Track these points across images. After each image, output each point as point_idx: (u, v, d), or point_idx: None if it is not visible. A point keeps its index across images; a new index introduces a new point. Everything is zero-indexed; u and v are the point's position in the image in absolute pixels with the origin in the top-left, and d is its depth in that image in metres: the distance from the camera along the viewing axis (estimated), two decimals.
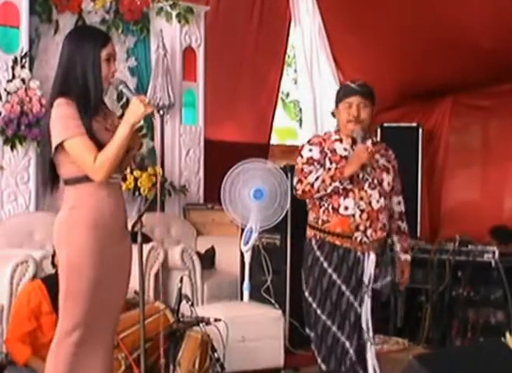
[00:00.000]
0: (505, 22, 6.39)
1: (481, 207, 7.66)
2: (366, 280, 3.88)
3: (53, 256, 4.48)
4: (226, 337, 4.44)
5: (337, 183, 3.82)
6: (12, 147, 5.90)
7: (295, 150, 9.85)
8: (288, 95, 14.25)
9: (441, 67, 7.28)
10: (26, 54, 6.00)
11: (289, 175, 5.56)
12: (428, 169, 8.07)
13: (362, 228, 3.84)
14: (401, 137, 7.38)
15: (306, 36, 8.75)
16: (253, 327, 4.96)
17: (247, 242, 5.53)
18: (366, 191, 3.86)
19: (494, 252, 5.53)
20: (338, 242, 3.86)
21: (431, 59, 7.28)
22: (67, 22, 6.42)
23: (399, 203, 4.04)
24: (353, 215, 3.84)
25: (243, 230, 5.60)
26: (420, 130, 7.72)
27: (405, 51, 7.44)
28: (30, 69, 6.06)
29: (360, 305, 3.86)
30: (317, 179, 3.86)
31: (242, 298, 5.62)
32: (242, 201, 5.53)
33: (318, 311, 3.85)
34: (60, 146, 3.16)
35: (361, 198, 3.85)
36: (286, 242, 5.60)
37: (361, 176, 3.87)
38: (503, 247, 5.80)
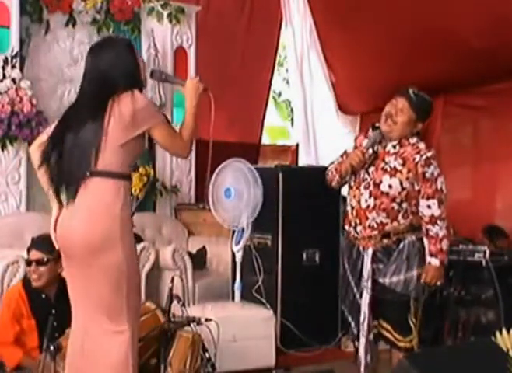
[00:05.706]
0: (497, 21, 6.38)
1: (473, 207, 7.66)
2: (365, 274, 4.03)
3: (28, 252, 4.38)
4: (217, 337, 4.42)
5: (337, 176, 4.16)
6: (3, 147, 5.89)
7: (286, 149, 9.94)
8: (280, 94, 14.26)
9: (433, 66, 7.27)
10: (16, 53, 5.99)
11: (280, 175, 5.56)
12: None
13: (353, 223, 4.10)
14: None
15: (298, 36, 8.76)
16: (244, 327, 4.98)
17: (238, 242, 5.55)
18: (359, 190, 4.03)
19: (485, 252, 5.51)
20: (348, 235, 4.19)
21: (422, 58, 7.27)
22: (58, 22, 6.41)
23: (429, 207, 3.92)
24: (347, 211, 4.15)
25: (234, 230, 5.61)
26: None
27: (396, 51, 7.43)
28: (21, 69, 6.05)
29: (360, 297, 4.07)
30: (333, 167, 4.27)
31: (233, 298, 5.63)
32: (218, 201, 5.58)
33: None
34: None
35: (354, 196, 4.07)
36: (277, 242, 5.58)
37: (362, 175, 4.05)
38: (494, 246, 5.81)
